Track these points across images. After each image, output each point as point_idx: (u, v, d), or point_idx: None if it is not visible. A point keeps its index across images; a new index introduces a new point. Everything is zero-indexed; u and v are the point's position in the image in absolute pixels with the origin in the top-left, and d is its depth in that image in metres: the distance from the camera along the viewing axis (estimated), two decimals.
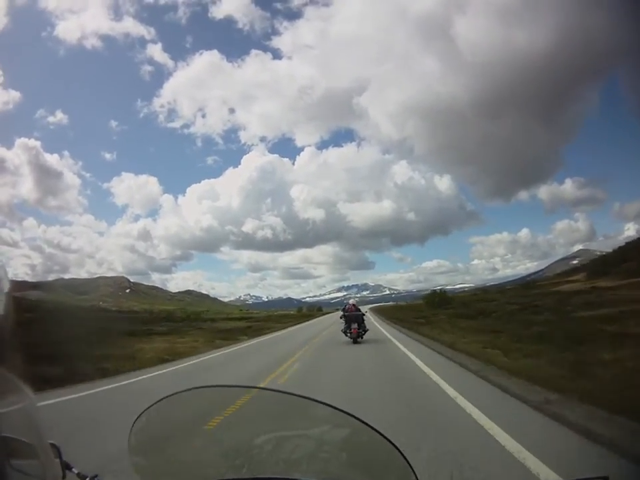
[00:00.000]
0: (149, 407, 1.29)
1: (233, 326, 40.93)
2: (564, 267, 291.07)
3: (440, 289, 54.92)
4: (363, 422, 1.11)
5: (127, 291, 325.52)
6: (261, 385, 4.34)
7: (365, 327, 16.48)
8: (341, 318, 17.03)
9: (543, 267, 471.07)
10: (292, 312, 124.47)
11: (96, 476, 1.18)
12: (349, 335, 16.03)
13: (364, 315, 16.79)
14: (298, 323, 46.83)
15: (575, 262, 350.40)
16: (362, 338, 16.16)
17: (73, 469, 1.14)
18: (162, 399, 1.28)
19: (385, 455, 1.14)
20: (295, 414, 1.33)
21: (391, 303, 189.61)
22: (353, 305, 17.05)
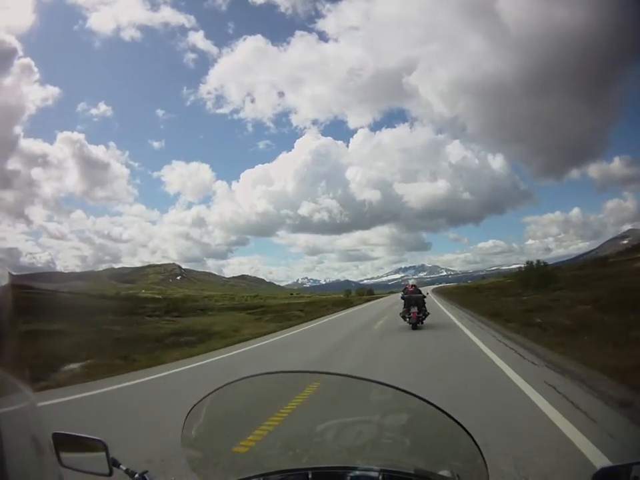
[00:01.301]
0: (203, 398, 1.26)
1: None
2: (615, 247, 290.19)
3: (538, 262, 37.77)
4: (428, 402, 1.07)
5: (178, 277, 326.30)
6: None
7: (426, 310, 14.93)
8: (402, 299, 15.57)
9: (595, 247, 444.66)
10: (341, 295, 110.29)
11: (146, 472, 1.18)
12: (407, 319, 14.57)
13: (424, 297, 15.24)
14: (335, 312, 31.91)
15: (625, 242, 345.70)
16: (422, 323, 14.67)
17: (121, 466, 1.17)
18: (216, 390, 1.25)
19: (451, 436, 1.11)
20: (357, 397, 1.27)
21: (452, 284, 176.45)
22: (413, 285, 15.92)
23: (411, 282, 16.35)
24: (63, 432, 1.15)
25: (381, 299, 64.24)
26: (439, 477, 1.15)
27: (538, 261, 38.36)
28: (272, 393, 1.43)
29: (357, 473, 1.13)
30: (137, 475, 1.17)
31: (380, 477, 1.11)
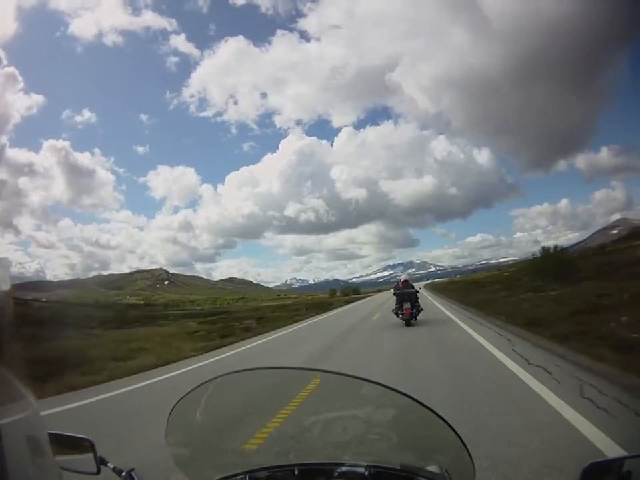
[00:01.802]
0: (185, 394, 1.23)
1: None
2: (605, 237, 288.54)
3: (555, 247, 31.24)
4: (414, 399, 1.06)
5: (166, 282, 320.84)
6: None
7: (419, 306, 14.40)
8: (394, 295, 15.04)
9: (584, 237, 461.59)
10: (325, 295, 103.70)
11: (132, 470, 1.18)
12: (400, 315, 14.07)
13: (417, 292, 14.81)
14: (304, 319, 24.44)
15: (614, 231, 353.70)
16: (415, 319, 14.05)
17: (108, 464, 1.16)
18: (199, 385, 1.22)
19: (437, 433, 1.10)
20: (345, 394, 1.24)
21: (443, 279, 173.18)
22: (405, 280, 15.39)
23: (403, 277, 15.81)
24: (54, 432, 1.08)
25: (366, 299, 56.34)
26: (427, 472, 1.13)
27: (555, 246, 31.97)
28: (257, 389, 1.39)
29: (344, 468, 1.12)
30: (124, 473, 1.17)
31: (366, 473, 1.09)
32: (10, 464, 0.65)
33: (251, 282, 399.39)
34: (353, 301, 50.15)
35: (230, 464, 1.32)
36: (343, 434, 1.25)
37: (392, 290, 16.54)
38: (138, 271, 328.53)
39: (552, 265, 27.29)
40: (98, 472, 1.14)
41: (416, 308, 14.09)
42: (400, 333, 12.14)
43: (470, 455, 1.05)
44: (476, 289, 34.44)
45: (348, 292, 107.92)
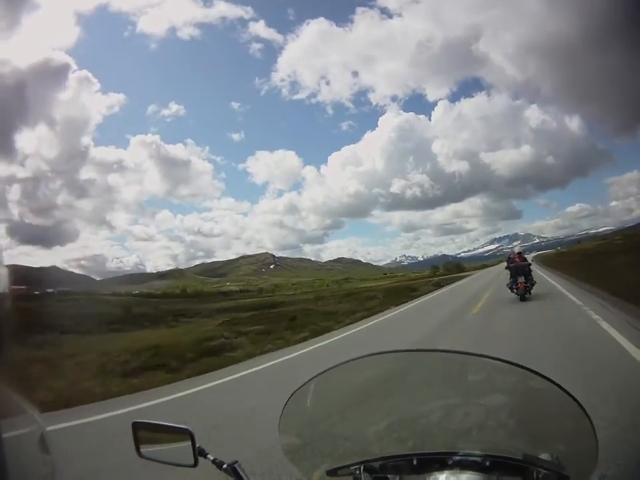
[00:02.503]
0: (300, 386, 1.23)
1: None
2: None
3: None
4: (536, 372, 1.01)
5: (272, 266, 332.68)
6: None
7: (533, 279, 13.94)
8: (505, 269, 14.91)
9: None
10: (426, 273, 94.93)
11: (236, 462, 1.13)
12: (515, 290, 13.65)
13: (530, 264, 14.32)
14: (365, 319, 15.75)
15: None
16: (530, 294, 13.58)
17: (208, 455, 1.13)
18: (313, 378, 1.21)
19: (562, 413, 1.04)
20: (460, 374, 1.18)
21: (550, 251, 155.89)
22: (519, 253, 14.92)
23: (516, 249, 15.65)
24: (142, 421, 1.15)
25: (468, 278, 44.78)
26: (541, 461, 1.05)
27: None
28: (368, 377, 1.32)
29: (461, 458, 1.06)
30: (225, 466, 1.11)
31: (485, 463, 1.04)
32: (9, 464, 0.64)
33: (360, 261, 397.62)
34: (443, 285, 33.89)
35: (344, 453, 1.25)
36: (463, 421, 1.16)
37: (505, 263, 15.89)
38: (243, 257, 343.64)
39: None
40: (195, 464, 1.11)
41: (530, 282, 13.74)
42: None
43: (597, 441, 0.96)
44: (599, 263, 24.09)
45: (451, 268, 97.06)
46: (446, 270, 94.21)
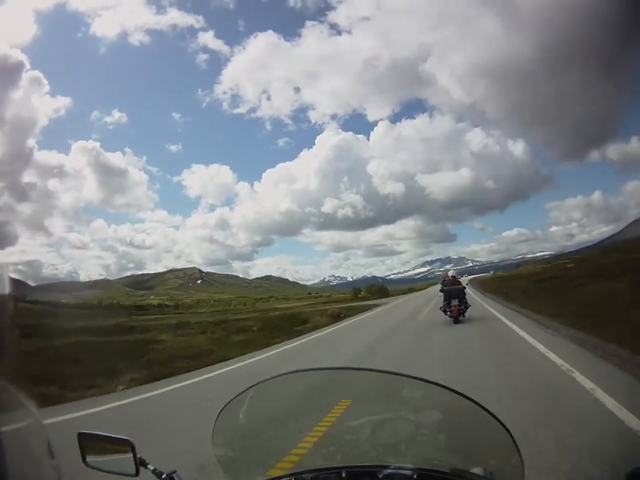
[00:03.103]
0: (233, 398, 1.24)
1: None
2: (637, 230, 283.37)
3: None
4: (465, 396, 1.03)
5: (198, 281, 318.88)
6: None
7: (467, 302, 14.19)
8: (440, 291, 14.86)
9: (617, 230, 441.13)
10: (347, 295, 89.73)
11: (174, 472, 1.16)
12: (448, 313, 13.78)
13: (464, 288, 14.82)
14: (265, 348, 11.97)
15: None
16: (463, 316, 13.84)
17: (148, 466, 1.15)
18: (247, 389, 1.23)
19: (488, 432, 1.07)
20: (391, 393, 1.24)
21: (483, 274, 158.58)
22: (453, 277, 15.17)
23: (450, 273, 15.66)
24: (88, 431, 1.16)
25: (390, 305, 35.67)
26: (472, 474, 1.10)
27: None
28: (302, 391, 1.33)
29: (390, 471, 1.09)
30: (164, 475, 1.14)
31: (414, 476, 1.07)
32: (9, 465, 0.64)
33: (288, 280, 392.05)
34: (368, 309, 29.76)
35: (275, 466, 1.32)
36: (392, 436, 1.22)
37: (440, 286, 15.93)
38: (171, 270, 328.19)
39: None
40: (136, 473, 1.13)
41: (464, 304, 13.95)
42: None
43: (521, 456, 1.01)
44: (530, 287, 20.62)
45: (374, 291, 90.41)
46: (368, 293, 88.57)
